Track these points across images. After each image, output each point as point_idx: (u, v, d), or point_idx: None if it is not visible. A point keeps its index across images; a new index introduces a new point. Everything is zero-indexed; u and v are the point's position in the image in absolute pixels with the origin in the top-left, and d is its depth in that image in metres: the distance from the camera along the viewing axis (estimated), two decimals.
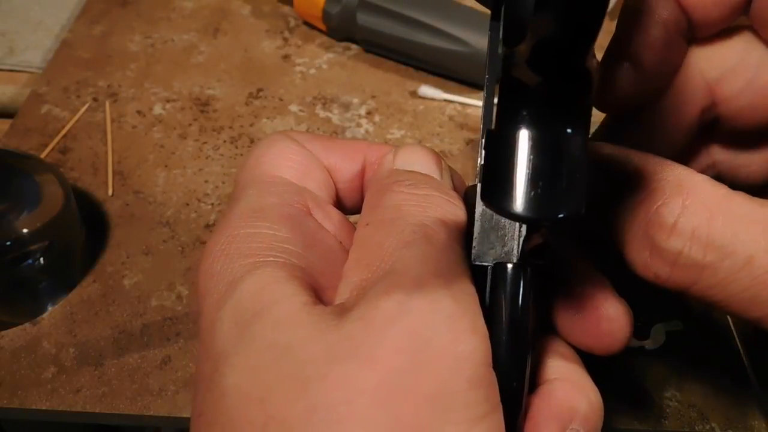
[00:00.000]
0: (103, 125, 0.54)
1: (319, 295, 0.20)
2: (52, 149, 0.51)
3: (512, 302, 0.21)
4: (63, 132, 0.52)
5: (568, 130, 0.19)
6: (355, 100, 0.58)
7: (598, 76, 0.19)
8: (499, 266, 0.21)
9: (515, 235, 0.21)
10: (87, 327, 0.41)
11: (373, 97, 0.58)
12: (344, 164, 0.25)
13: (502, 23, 0.20)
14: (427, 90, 0.58)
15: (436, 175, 0.23)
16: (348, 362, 0.17)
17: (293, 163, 0.23)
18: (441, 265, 0.19)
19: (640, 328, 0.43)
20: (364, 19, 0.59)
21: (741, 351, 0.43)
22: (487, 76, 0.24)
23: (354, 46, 0.63)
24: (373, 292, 0.18)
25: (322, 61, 0.61)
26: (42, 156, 0.50)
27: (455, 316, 0.18)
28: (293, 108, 0.57)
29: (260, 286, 0.19)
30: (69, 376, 0.39)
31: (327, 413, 0.17)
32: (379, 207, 0.21)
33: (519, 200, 0.19)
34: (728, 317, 0.44)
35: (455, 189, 0.24)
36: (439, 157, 0.24)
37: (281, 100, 0.57)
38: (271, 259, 0.20)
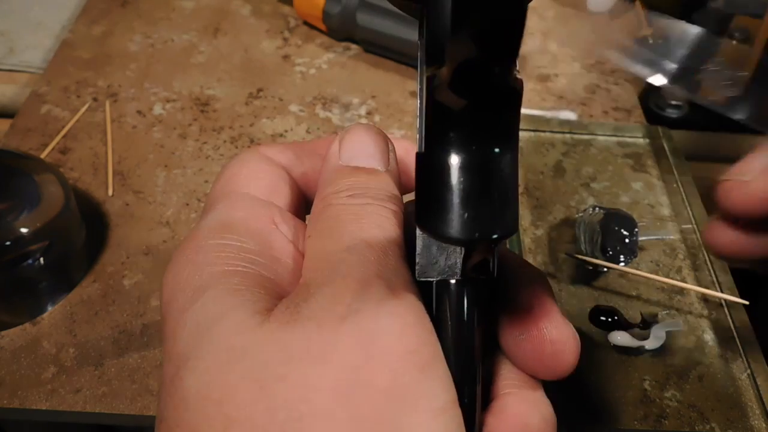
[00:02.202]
0: (103, 125, 0.54)
1: None
2: (52, 149, 0.51)
3: (457, 319, 0.21)
4: (63, 132, 0.52)
5: (496, 150, 0.19)
6: (355, 100, 0.58)
7: (522, 92, 0.19)
8: (442, 283, 0.21)
9: (458, 248, 0.21)
10: (87, 327, 0.41)
11: (373, 97, 0.58)
12: (317, 167, 0.26)
13: (424, 43, 0.20)
14: None
15: (381, 165, 0.23)
16: (304, 362, 0.18)
17: (262, 182, 0.24)
18: (382, 269, 0.20)
19: (640, 328, 0.43)
20: (364, 19, 0.59)
21: (741, 351, 0.43)
22: (419, 87, 0.23)
23: (354, 46, 0.63)
24: (322, 294, 0.19)
25: (322, 61, 0.61)
26: (42, 156, 0.50)
27: (400, 312, 0.19)
28: (293, 108, 0.57)
29: (224, 293, 0.20)
30: (69, 376, 0.39)
31: (288, 412, 0.17)
32: (319, 220, 0.22)
33: (452, 223, 0.19)
34: (728, 317, 0.44)
35: (403, 172, 0.24)
36: (386, 140, 0.24)
37: (281, 100, 0.57)
38: (239, 269, 0.21)
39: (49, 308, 0.42)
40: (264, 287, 0.20)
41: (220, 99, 0.57)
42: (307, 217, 0.24)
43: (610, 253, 0.45)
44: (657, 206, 0.52)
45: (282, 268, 0.22)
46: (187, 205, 0.49)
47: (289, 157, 0.25)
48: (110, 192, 0.49)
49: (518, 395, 0.22)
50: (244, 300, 0.19)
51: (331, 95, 0.58)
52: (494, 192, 0.19)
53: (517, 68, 0.19)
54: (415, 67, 0.62)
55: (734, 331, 0.44)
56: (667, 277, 0.46)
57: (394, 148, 0.24)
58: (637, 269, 0.46)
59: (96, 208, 0.48)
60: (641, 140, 0.57)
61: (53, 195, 0.42)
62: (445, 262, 0.21)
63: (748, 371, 0.42)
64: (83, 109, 0.55)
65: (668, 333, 0.43)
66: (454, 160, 0.19)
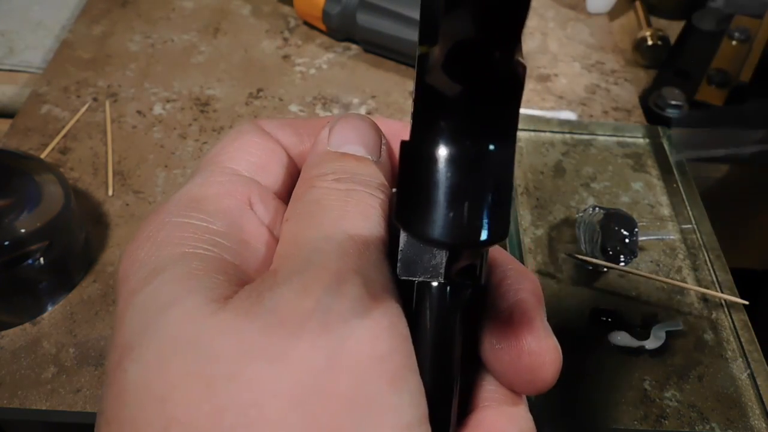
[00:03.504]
0: (103, 125, 0.54)
1: None
2: (52, 149, 0.51)
3: (437, 325, 0.19)
4: (63, 132, 0.52)
5: (491, 145, 0.17)
6: (355, 100, 0.58)
7: (524, 80, 0.17)
8: (424, 284, 0.19)
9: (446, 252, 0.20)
10: (87, 327, 0.41)
11: (373, 97, 0.58)
12: None
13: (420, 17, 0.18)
14: None
15: (372, 155, 0.22)
16: (259, 361, 0.16)
17: (251, 157, 0.22)
18: (361, 263, 0.18)
19: (640, 328, 0.43)
20: (364, 19, 0.59)
21: (741, 351, 0.43)
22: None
23: (354, 46, 0.63)
24: (290, 284, 0.17)
25: (322, 61, 0.61)
26: (42, 156, 0.50)
27: (374, 315, 0.17)
28: (293, 108, 0.57)
29: (179, 277, 0.18)
30: (69, 376, 0.39)
31: (235, 417, 0.15)
32: (300, 202, 0.20)
33: (436, 224, 0.17)
34: (728, 317, 0.44)
35: (394, 167, 0.23)
36: (377, 132, 0.22)
37: (281, 100, 0.57)
38: (200, 251, 0.19)
39: (49, 308, 0.42)
40: (226, 273, 0.19)
41: (220, 99, 0.57)
42: None
43: (610, 253, 0.45)
44: (657, 206, 0.52)
45: (250, 253, 0.20)
46: None
47: (288, 134, 0.24)
48: (110, 192, 0.49)
49: (497, 410, 0.21)
50: (201, 286, 0.18)
51: (331, 95, 0.58)
52: (486, 192, 0.17)
53: (522, 54, 0.17)
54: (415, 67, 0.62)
55: (734, 331, 0.44)
56: (667, 277, 0.46)
57: (387, 143, 0.23)
58: (637, 269, 0.46)
59: (96, 208, 0.48)
60: (641, 140, 0.57)
61: (53, 195, 0.42)
62: (429, 261, 0.19)
63: (748, 371, 0.42)
64: (83, 109, 0.55)
65: (668, 333, 0.43)
66: (443, 152, 0.17)
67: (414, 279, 0.19)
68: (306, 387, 0.16)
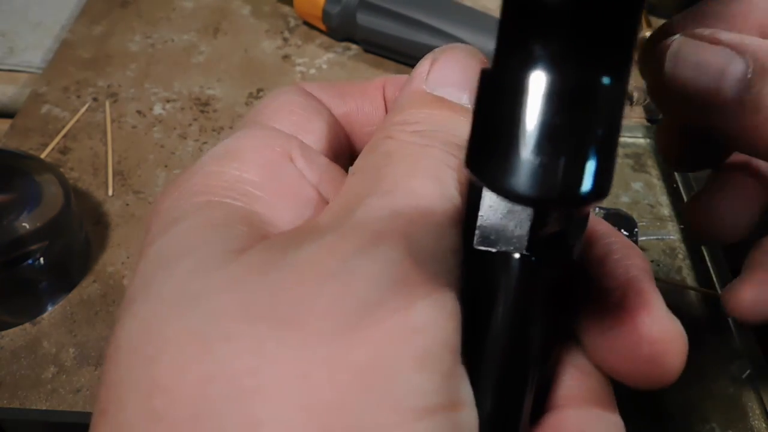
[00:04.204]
0: (103, 125, 0.54)
1: None
2: (52, 149, 0.51)
3: (514, 305, 0.16)
4: (63, 132, 0.52)
5: (601, 75, 0.13)
6: None
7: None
8: (502, 256, 0.16)
9: (531, 213, 0.16)
10: (87, 327, 0.41)
11: None
12: (364, 108, 0.22)
13: None
14: None
15: (471, 101, 0.19)
16: (264, 321, 0.14)
17: (293, 115, 0.20)
18: (415, 228, 0.15)
19: None
20: (364, 19, 0.59)
21: (741, 350, 0.43)
22: None
23: (354, 46, 0.63)
24: (320, 241, 0.15)
25: (322, 61, 0.61)
26: (42, 156, 0.50)
27: (412, 282, 0.14)
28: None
29: (197, 227, 0.16)
30: (69, 376, 0.39)
31: (225, 385, 0.13)
32: (372, 153, 0.18)
33: (520, 172, 0.13)
34: (728, 317, 0.44)
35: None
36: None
37: None
38: (228, 200, 0.17)
39: (49, 308, 0.42)
40: (252, 225, 0.17)
41: (220, 99, 0.57)
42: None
43: None
44: (657, 206, 0.52)
45: (287, 207, 0.18)
46: None
47: (331, 95, 0.22)
48: (110, 192, 0.49)
49: (582, 411, 0.18)
50: (219, 236, 0.16)
51: None
52: (589, 135, 0.13)
53: None
54: None
55: (734, 331, 0.44)
56: (667, 277, 0.46)
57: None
58: None
59: (96, 208, 0.48)
60: (641, 140, 0.57)
61: (53, 195, 0.42)
62: (513, 232, 0.16)
63: (748, 371, 0.42)
64: (83, 109, 0.55)
65: None
66: (537, 80, 0.13)
67: (492, 251, 0.16)
68: (312, 355, 0.13)
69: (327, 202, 0.18)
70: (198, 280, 0.15)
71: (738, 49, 0.21)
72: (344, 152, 0.22)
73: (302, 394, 0.13)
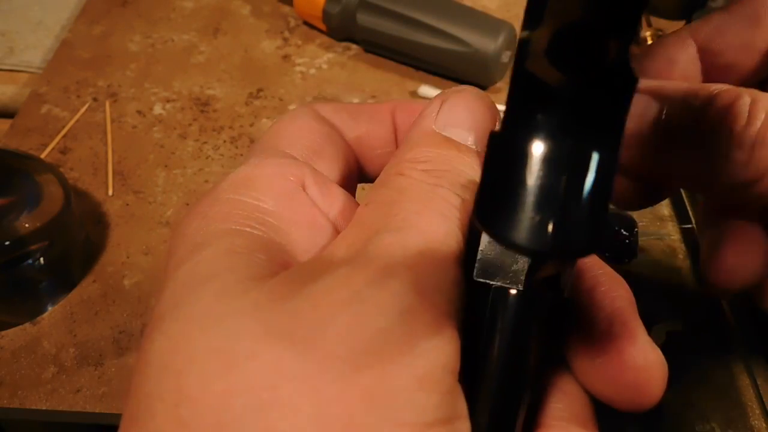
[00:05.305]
0: (103, 125, 0.54)
1: None
2: (52, 149, 0.51)
3: (509, 334, 0.18)
4: (63, 132, 0.52)
5: (594, 147, 0.15)
6: (355, 100, 0.58)
7: (638, 77, 0.15)
8: (500, 290, 0.18)
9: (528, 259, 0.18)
10: (87, 327, 0.41)
11: (373, 97, 0.58)
12: (375, 131, 0.23)
13: None
14: (427, 90, 0.58)
15: (479, 143, 0.20)
16: (282, 342, 0.15)
17: (304, 141, 0.22)
18: (422, 262, 0.17)
19: None
20: (364, 19, 0.59)
21: (741, 351, 0.43)
22: None
23: (354, 46, 0.63)
24: (335, 273, 0.16)
25: (322, 61, 0.61)
26: (42, 156, 0.50)
27: (417, 311, 0.16)
28: (293, 108, 0.57)
29: (220, 253, 0.18)
30: (69, 376, 0.39)
31: (247, 398, 0.15)
32: (384, 187, 0.19)
33: (521, 227, 0.15)
34: (728, 317, 0.44)
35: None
36: (493, 117, 0.21)
37: (281, 100, 0.57)
38: (247, 229, 0.19)
39: (49, 308, 0.42)
40: (270, 252, 0.18)
41: (220, 99, 0.57)
42: (366, 186, 0.22)
43: (607, 255, 0.45)
44: (657, 206, 0.52)
45: (301, 235, 0.19)
46: (187, 204, 0.49)
47: (344, 118, 0.23)
48: (110, 192, 0.49)
49: (565, 430, 0.19)
50: (241, 263, 0.17)
51: (331, 95, 0.58)
52: (581, 199, 0.15)
53: (637, 43, 0.15)
54: (416, 67, 0.62)
55: (734, 330, 0.44)
56: (667, 277, 0.46)
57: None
58: (636, 269, 0.46)
59: (96, 208, 0.48)
60: None
61: (53, 195, 0.42)
62: (510, 266, 0.17)
63: (748, 371, 0.42)
64: (83, 109, 0.55)
65: (668, 333, 0.43)
66: (538, 148, 0.15)
67: (490, 283, 0.18)
68: (325, 376, 0.15)
69: (337, 229, 0.20)
70: (223, 303, 0.16)
71: (654, 94, 0.23)
72: (354, 175, 0.23)
73: (315, 409, 0.15)
